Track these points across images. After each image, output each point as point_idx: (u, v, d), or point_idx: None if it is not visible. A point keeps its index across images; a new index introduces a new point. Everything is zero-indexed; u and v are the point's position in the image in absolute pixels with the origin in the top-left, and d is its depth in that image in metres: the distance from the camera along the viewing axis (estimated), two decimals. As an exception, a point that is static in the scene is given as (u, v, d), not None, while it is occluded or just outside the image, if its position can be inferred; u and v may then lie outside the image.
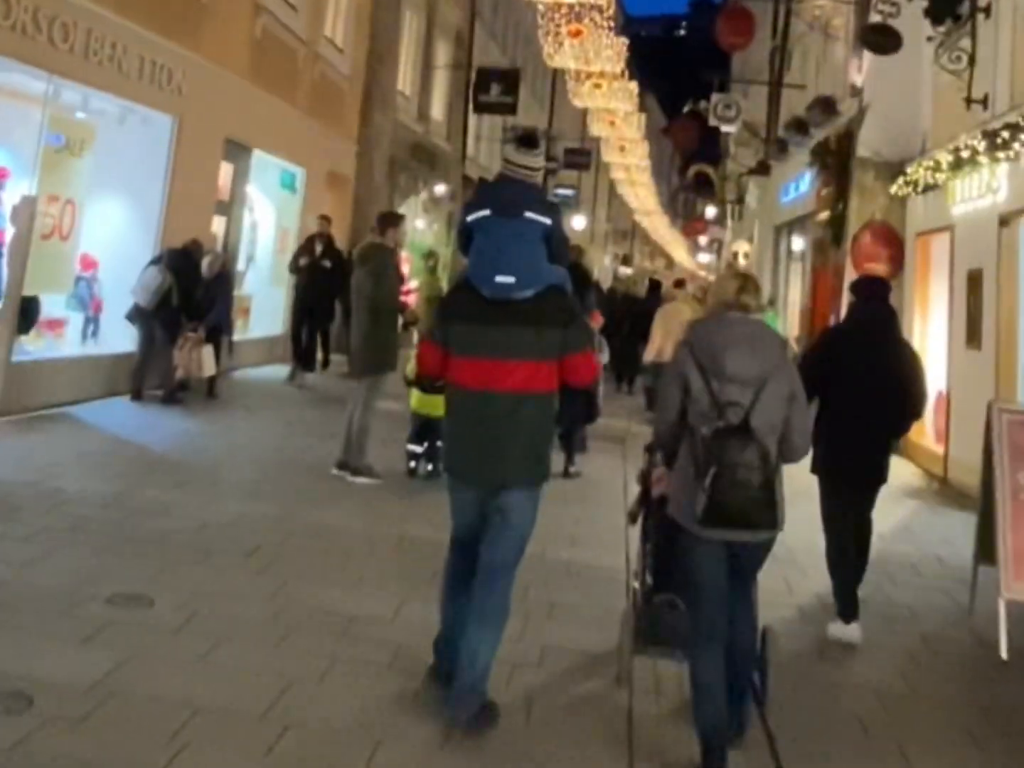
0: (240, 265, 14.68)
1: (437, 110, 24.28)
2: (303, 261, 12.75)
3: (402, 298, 8.84)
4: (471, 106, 24.23)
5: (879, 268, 12.74)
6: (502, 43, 30.23)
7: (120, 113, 11.20)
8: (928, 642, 5.74)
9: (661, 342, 12.62)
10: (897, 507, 9.28)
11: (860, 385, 5.53)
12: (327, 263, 12.43)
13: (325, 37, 16.78)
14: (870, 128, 13.12)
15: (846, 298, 12.75)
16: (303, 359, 13.17)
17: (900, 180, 12.39)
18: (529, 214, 3.93)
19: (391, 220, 8.51)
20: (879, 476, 5.80)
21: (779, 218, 20.08)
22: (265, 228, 15.68)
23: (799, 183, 17.53)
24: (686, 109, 23.04)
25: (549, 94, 33.51)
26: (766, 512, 3.79)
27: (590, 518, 7.64)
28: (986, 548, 6.10)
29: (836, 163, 13.63)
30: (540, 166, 4.22)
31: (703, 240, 55.47)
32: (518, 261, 3.85)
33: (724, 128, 20.71)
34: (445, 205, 24.79)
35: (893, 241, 12.80)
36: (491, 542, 4.00)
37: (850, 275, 12.87)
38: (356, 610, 5.23)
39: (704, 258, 62.78)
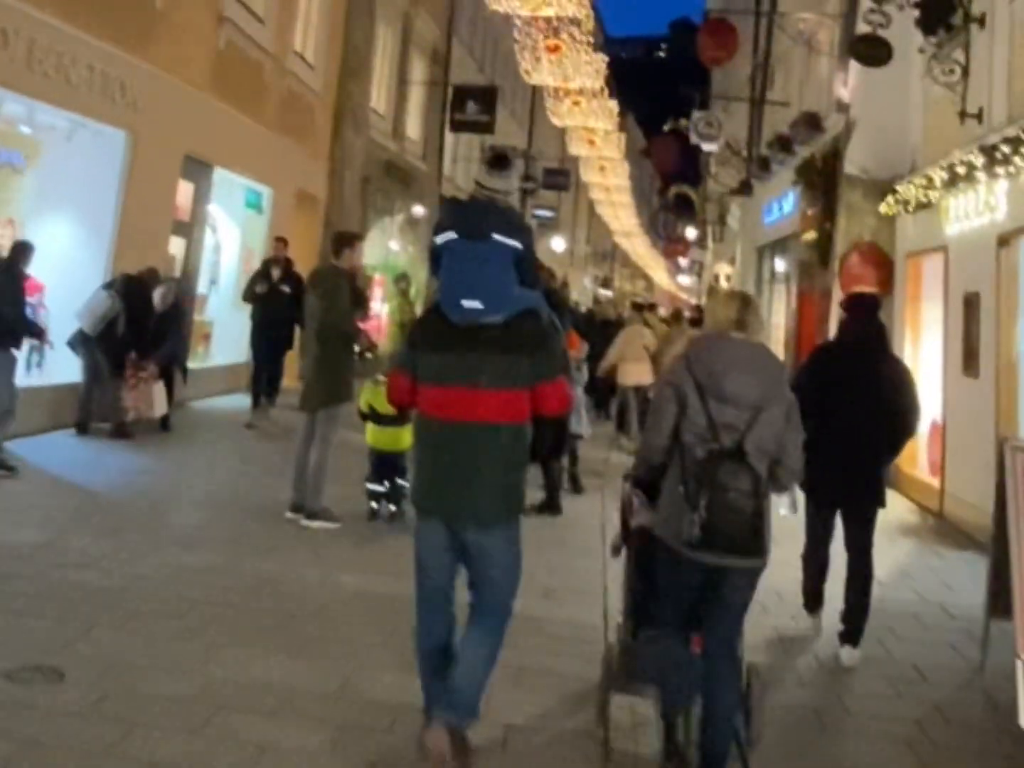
0: (201, 289, 14.06)
1: (412, 128, 23.76)
2: (260, 288, 11.72)
3: (360, 324, 8.21)
4: (448, 124, 23.74)
5: (867, 290, 12.42)
6: (480, 61, 29.75)
7: (69, 127, 10.61)
8: (940, 709, 5.13)
9: (614, 360, 13.02)
10: (892, 546, 8.70)
11: (852, 402, 5.48)
12: (286, 288, 11.42)
13: (294, 51, 16.23)
14: (857, 145, 12.63)
15: (835, 321, 12.32)
16: (267, 394, 11.98)
17: (889, 198, 11.89)
18: (497, 236, 3.76)
19: (346, 240, 7.90)
20: (874, 498, 5.70)
21: (762, 239, 19.60)
22: (229, 250, 15.07)
23: (783, 203, 17.05)
24: (667, 127, 22.55)
25: (528, 113, 33.12)
26: (755, 538, 3.74)
27: (567, 567, 7.00)
28: (999, 600, 5.50)
29: (822, 181, 13.13)
30: (511, 188, 4.10)
31: (684, 262, 55.18)
32: (485, 285, 3.70)
33: (705, 146, 20.23)
34: (422, 227, 24.27)
35: (882, 262, 12.36)
36: (480, 587, 3.84)
37: (838, 297, 12.38)
38: (296, 681, 4.60)
39: (685, 280, 62.52)
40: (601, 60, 22.10)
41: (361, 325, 8.23)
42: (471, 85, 23.82)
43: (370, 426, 7.89)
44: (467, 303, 3.66)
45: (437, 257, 3.86)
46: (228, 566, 6.20)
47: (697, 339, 4.27)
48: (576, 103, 24.01)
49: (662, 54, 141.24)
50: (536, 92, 31.07)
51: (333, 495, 7.89)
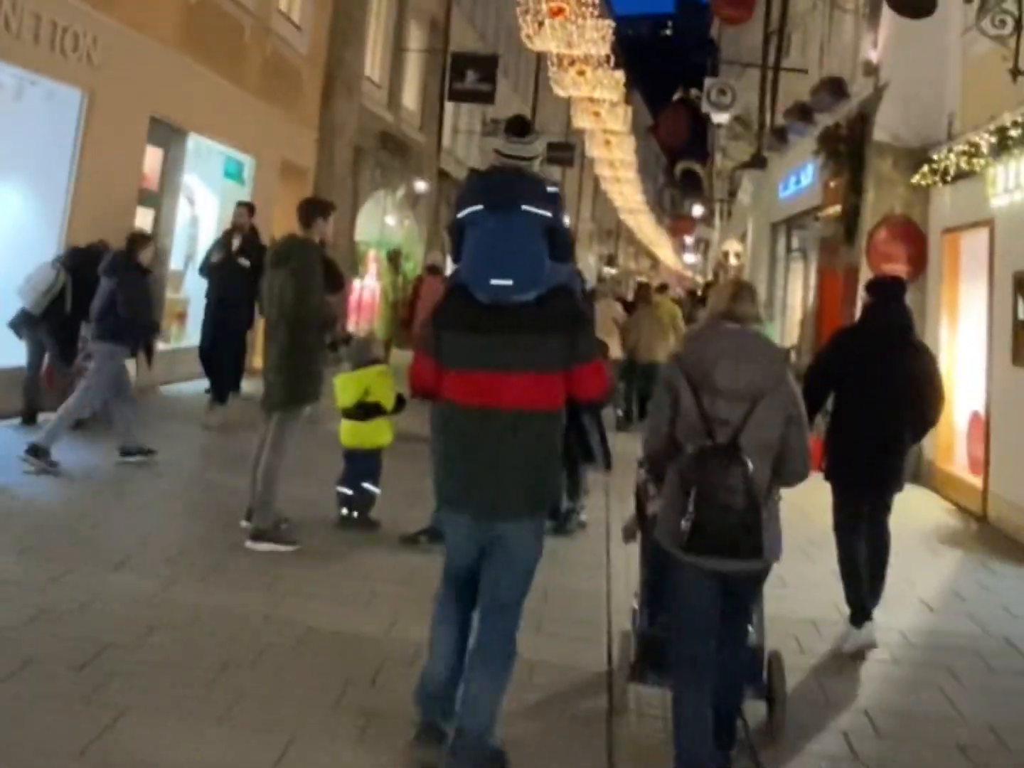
0: (175, 264, 13.01)
1: (409, 98, 22.64)
2: (216, 258, 10.23)
3: (332, 305, 7.19)
4: (446, 94, 22.62)
5: (897, 269, 11.33)
6: (481, 30, 28.54)
7: (16, 85, 9.54)
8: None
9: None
10: (934, 558, 7.71)
11: (874, 388, 5.39)
12: (244, 261, 9.84)
13: (279, 11, 15.13)
14: (888, 110, 11.52)
15: (861, 301, 11.28)
16: (217, 389, 10.36)
17: (924, 168, 10.81)
18: (526, 207, 3.50)
19: (320, 208, 6.73)
20: (894, 483, 5.61)
21: (777, 215, 18.49)
22: (208, 223, 13.98)
23: (801, 176, 15.95)
24: (676, 97, 21.34)
25: (532, 86, 31.94)
26: (749, 539, 3.56)
27: (563, 588, 5.93)
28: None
29: (848, 151, 12.02)
30: (534, 155, 3.78)
31: (689, 240, 54.14)
32: (515, 260, 3.45)
33: (717, 117, 19.13)
34: (423, 202, 23.18)
35: (914, 238, 11.31)
36: (492, 579, 3.62)
37: (865, 276, 11.33)
38: (218, 762, 3.60)
39: (690, 258, 61.55)
40: (607, 26, 20.91)
41: (336, 311, 7.21)
42: (471, 53, 22.66)
43: (344, 421, 6.91)
44: (496, 281, 3.41)
45: (460, 233, 3.59)
46: (157, 594, 5.18)
47: (689, 331, 4.26)
48: (581, 72, 22.84)
49: (668, 32, 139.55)
50: (540, 64, 29.97)
51: (304, 497, 6.96)
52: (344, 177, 17.86)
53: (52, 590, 5.09)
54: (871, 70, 12.16)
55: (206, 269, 10.46)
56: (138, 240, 8.31)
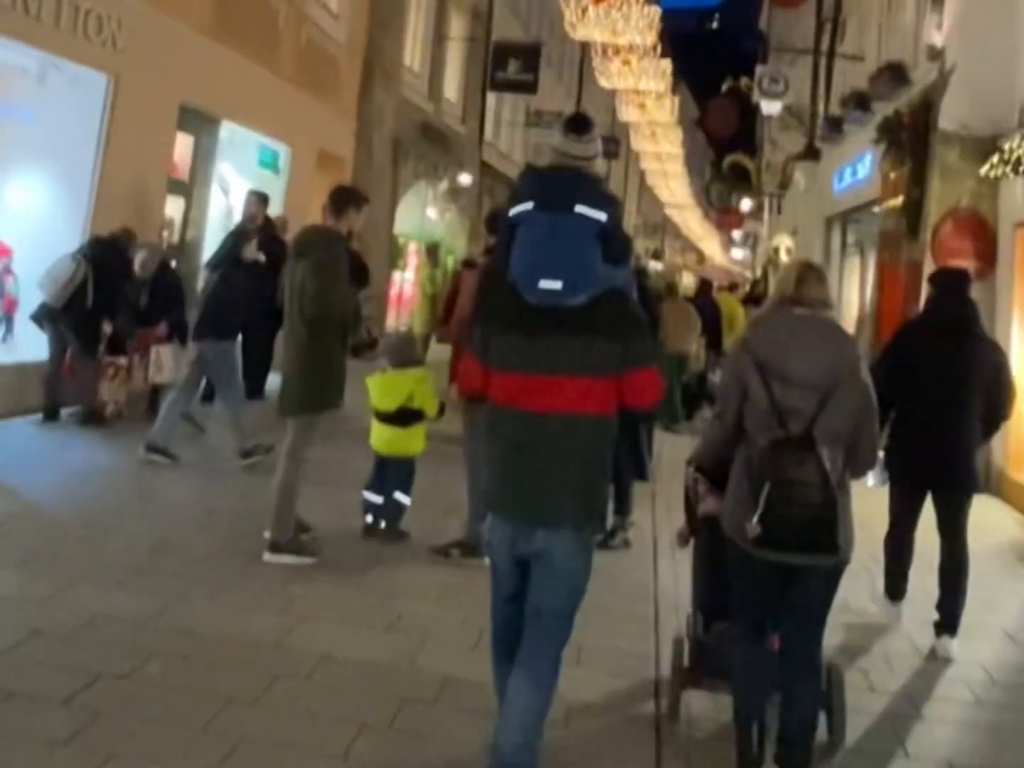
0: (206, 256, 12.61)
1: (450, 89, 22.18)
2: (249, 254, 8.97)
3: (363, 304, 6.75)
4: (488, 84, 22.13)
5: (965, 264, 10.62)
6: (525, 21, 27.99)
7: (39, 69, 9.17)
8: None
9: None
10: (1015, 581, 7.05)
11: (940, 383, 5.25)
12: (260, 256, 8.92)
13: (315, -3, 14.70)
14: (955, 97, 10.85)
15: (925, 293, 10.64)
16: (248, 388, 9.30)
17: (994, 158, 10.12)
18: (580, 208, 3.36)
19: (352, 198, 6.17)
20: (967, 484, 5.39)
21: (831, 208, 17.80)
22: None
23: (857, 167, 15.27)
24: (725, 87, 20.65)
25: (576, 78, 31.36)
26: (824, 535, 3.48)
27: (606, 607, 5.39)
28: None
29: (910, 140, 11.36)
30: (593, 153, 3.64)
31: (737, 235, 53.26)
32: (566, 263, 3.31)
33: (768, 107, 18.43)
34: (465, 195, 22.70)
35: (982, 233, 10.64)
36: (537, 593, 3.45)
37: (930, 271, 10.68)
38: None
39: (738, 253, 60.60)
40: (654, 12, 20.27)
41: (366, 309, 6.75)
42: (513, 41, 22.16)
43: (374, 424, 6.44)
44: (545, 283, 3.28)
45: (511, 231, 3.43)
46: (160, 614, 4.73)
47: (756, 317, 4.12)
48: (626, 62, 22.23)
49: (715, 25, 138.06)
50: (584, 55, 29.38)
51: (327, 501, 6.52)
52: (383, 168, 17.46)
53: (48, 608, 4.67)
54: (935, 54, 11.49)
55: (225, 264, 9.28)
56: (242, 235, 8.02)
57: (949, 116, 10.83)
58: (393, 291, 18.98)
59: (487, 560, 6.13)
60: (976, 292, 10.54)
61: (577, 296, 3.29)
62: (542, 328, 3.32)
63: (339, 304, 5.87)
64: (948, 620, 5.31)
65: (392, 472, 6.36)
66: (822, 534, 3.47)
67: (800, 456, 3.46)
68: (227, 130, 12.58)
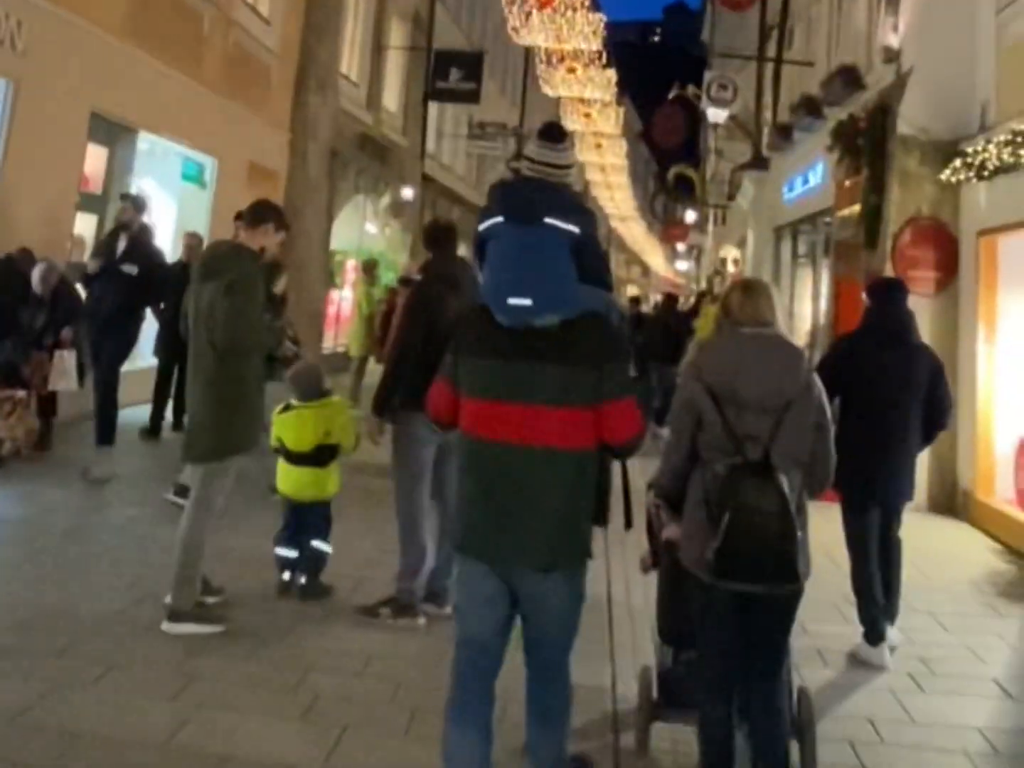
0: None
1: (390, 99, 21.47)
2: (93, 266, 8.14)
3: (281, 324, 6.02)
4: (430, 95, 21.46)
5: (926, 275, 10.29)
6: (467, 32, 27.40)
7: (-74, 73, 8.36)
8: None
9: None
10: (998, 619, 6.48)
11: (876, 394, 5.29)
12: (131, 268, 7.91)
13: (243, 1, 13.94)
14: (913, 99, 10.37)
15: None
16: (100, 426, 8.05)
17: (956, 162, 9.66)
18: (550, 220, 3.15)
19: (270, 214, 5.47)
20: (909, 492, 5.55)
21: (781, 218, 17.36)
22: (165, 231, 12.75)
23: (808, 175, 14.83)
24: (672, 94, 20.16)
25: (520, 89, 30.79)
26: (785, 563, 3.36)
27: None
28: None
29: (868, 145, 10.86)
30: (568, 162, 3.55)
31: (682, 247, 53.13)
32: (535, 278, 3.07)
33: (715, 115, 17.95)
34: (408, 210, 21.98)
35: (943, 241, 10.18)
36: (535, 640, 3.23)
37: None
38: None
39: (683, 266, 60.53)
40: (599, 20, 19.75)
41: (287, 332, 5.99)
42: (454, 50, 21.53)
43: (281, 466, 5.70)
44: (514, 300, 3.09)
45: (482, 247, 3.27)
46: (27, 709, 3.95)
47: (705, 340, 4.07)
48: (571, 70, 21.71)
49: (657, 38, 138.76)
50: (528, 65, 28.85)
51: (235, 552, 5.77)
52: (319, 181, 16.71)
53: None
54: (892, 56, 11.03)
55: (84, 277, 8.42)
56: (274, 268, 7.29)
57: (907, 120, 10.34)
58: (331, 310, 18.20)
59: (422, 620, 5.50)
60: (938, 303, 10.26)
61: (549, 314, 3.08)
62: (514, 353, 3.11)
63: (254, 330, 5.14)
64: (891, 611, 5.54)
65: (306, 518, 5.63)
66: (783, 563, 3.36)
67: (759, 482, 3.34)
68: (147, 141, 11.80)
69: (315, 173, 16.55)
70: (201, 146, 12.90)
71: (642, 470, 3.64)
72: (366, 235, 20.07)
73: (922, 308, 10.00)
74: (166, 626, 4.91)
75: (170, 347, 8.65)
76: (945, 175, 9.94)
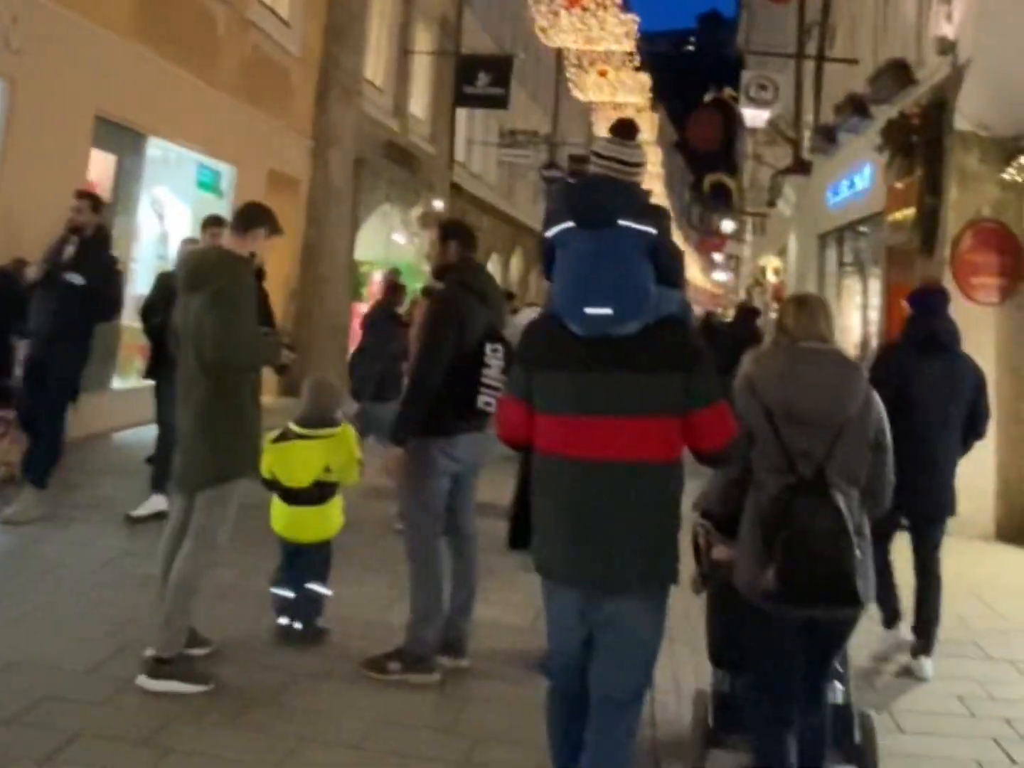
0: (140, 288, 11.25)
1: (417, 106, 20.94)
2: (34, 272, 7.05)
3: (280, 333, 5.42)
4: (458, 101, 20.93)
5: (989, 283, 9.56)
6: (497, 37, 26.88)
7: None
8: None
9: None
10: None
11: (924, 404, 5.19)
12: (75, 279, 6.81)
13: (261, 2, 13.44)
14: (971, 93, 9.62)
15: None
16: (31, 463, 7.07)
17: (1020, 160, 8.97)
18: (624, 222, 2.93)
19: (262, 218, 4.84)
20: (951, 506, 5.41)
21: (825, 225, 16.57)
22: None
23: (855, 178, 14.05)
24: (708, 98, 19.43)
25: (552, 96, 30.23)
26: (845, 585, 3.22)
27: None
28: None
29: (923, 144, 10.12)
30: (637, 161, 3.43)
31: (719, 257, 52.37)
32: (614, 285, 2.88)
33: (755, 118, 17.23)
34: (437, 219, 21.43)
35: (1007, 245, 9.43)
36: (603, 669, 3.04)
37: (950, 290, 9.44)
38: None
39: (721, 276, 59.75)
40: (631, 21, 19.09)
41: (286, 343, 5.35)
42: (482, 54, 20.97)
43: (275, 503, 5.06)
44: (592, 310, 2.86)
45: (551, 253, 3.03)
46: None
47: (759, 354, 3.74)
48: (602, 73, 21.04)
49: (691, 47, 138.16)
50: (559, 73, 28.28)
51: (227, 591, 5.14)
52: (343, 190, 16.17)
53: None
54: (946, 47, 10.26)
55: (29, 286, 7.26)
56: (398, 289, 6.74)
57: (966, 115, 9.59)
58: (356, 323, 17.63)
59: (436, 676, 4.85)
60: (1003, 312, 9.51)
61: (630, 323, 2.90)
62: (592, 363, 2.95)
63: (247, 344, 4.57)
64: (927, 643, 5.31)
65: (304, 558, 4.99)
66: (842, 586, 3.22)
67: (814, 501, 3.23)
68: (159, 147, 11.29)
69: (339, 181, 16.02)
70: (217, 153, 12.38)
71: (688, 491, 3.14)
72: (392, 245, 19.51)
73: (986, 317, 9.34)
74: (143, 680, 4.30)
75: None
76: (1008, 174, 9.24)
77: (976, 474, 8.70)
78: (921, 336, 5.43)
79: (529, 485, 3.15)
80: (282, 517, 4.98)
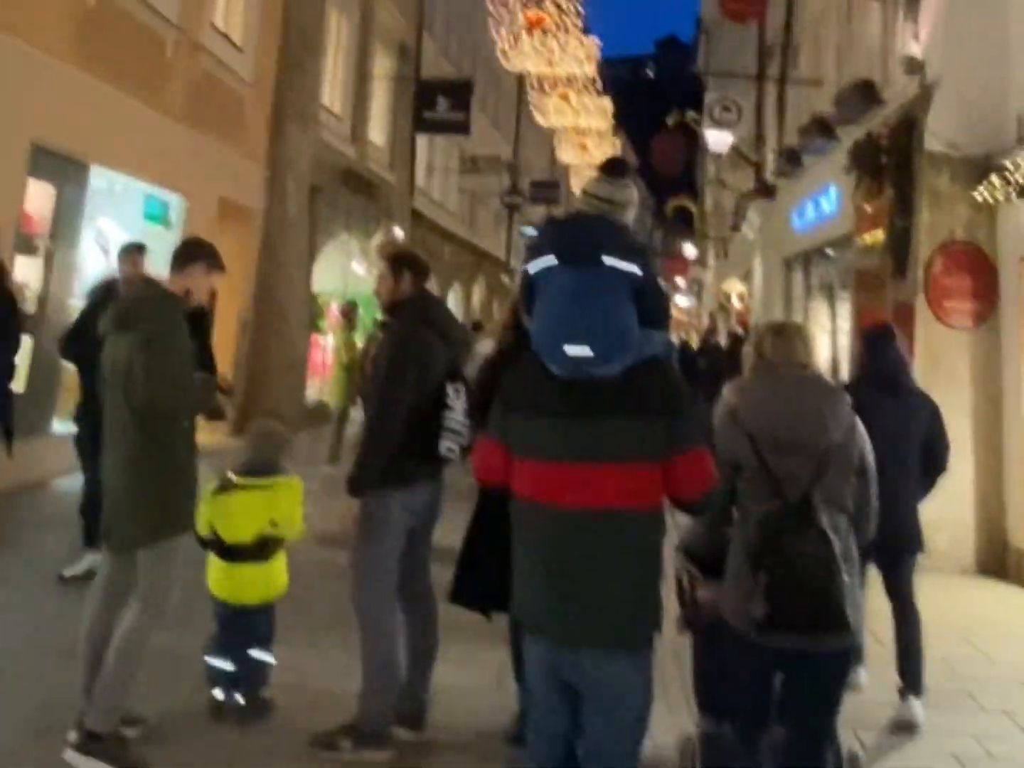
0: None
1: (376, 133, 20.57)
2: None
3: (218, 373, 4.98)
4: (417, 127, 20.57)
5: (962, 307, 9.31)
6: (457, 63, 26.64)
7: None
8: None
9: None
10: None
11: (884, 440, 4.52)
12: None
13: (212, 25, 13.03)
14: (941, 113, 9.39)
15: (921, 345, 9.12)
16: None
17: (994, 179, 8.71)
18: (609, 260, 2.85)
19: (201, 254, 4.53)
20: (917, 542, 5.32)
21: (790, 248, 16.38)
22: (127, 274, 11.75)
23: (821, 201, 13.85)
24: (670, 121, 19.20)
25: (513, 123, 30.01)
26: (833, 612, 3.22)
27: None
28: None
29: (892, 165, 9.88)
30: (626, 200, 3.45)
31: (682, 282, 52.37)
32: (596, 325, 2.79)
33: (716, 142, 17.00)
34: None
35: (980, 267, 9.19)
36: (588, 737, 2.88)
37: (923, 315, 9.19)
38: None
39: (684, 302, 59.83)
40: (593, 44, 18.86)
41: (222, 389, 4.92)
42: (441, 79, 20.66)
43: (213, 561, 4.61)
44: (571, 350, 2.77)
45: (530, 290, 2.95)
46: None
47: (741, 381, 3.67)
48: (564, 97, 20.77)
49: (650, 73, 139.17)
50: (521, 99, 28.07)
51: (174, 665, 4.67)
52: (299, 219, 15.75)
53: None
54: (915, 67, 10.05)
55: None
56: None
57: (935, 134, 9.36)
58: (318, 355, 17.19)
59: (387, 754, 4.39)
60: (977, 336, 9.24)
61: (611, 364, 2.81)
62: (573, 406, 2.84)
63: (179, 388, 4.16)
64: (913, 682, 5.13)
65: (244, 623, 4.54)
66: (831, 612, 3.21)
67: (801, 527, 3.24)
68: (103, 177, 10.82)
69: (294, 211, 15.60)
70: (166, 182, 11.91)
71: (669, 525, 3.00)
72: (352, 276, 19.08)
73: (961, 342, 9.07)
74: (71, 756, 3.87)
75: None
76: (980, 193, 8.97)
77: (954, 506, 8.46)
78: (877, 374, 5.44)
79: (478, 535, 3.04)
80: (220, 577, 4.53)
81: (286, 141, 15.37)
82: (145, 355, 4.06)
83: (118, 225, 11.48)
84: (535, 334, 2.92)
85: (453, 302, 28.20)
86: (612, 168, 3.48)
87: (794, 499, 3.30)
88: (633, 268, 2.89)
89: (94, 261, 10.99)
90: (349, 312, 12.56)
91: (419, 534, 4.49)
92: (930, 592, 5.43)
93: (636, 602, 2.88)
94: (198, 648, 4.72)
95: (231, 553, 4.48)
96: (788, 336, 3.63)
